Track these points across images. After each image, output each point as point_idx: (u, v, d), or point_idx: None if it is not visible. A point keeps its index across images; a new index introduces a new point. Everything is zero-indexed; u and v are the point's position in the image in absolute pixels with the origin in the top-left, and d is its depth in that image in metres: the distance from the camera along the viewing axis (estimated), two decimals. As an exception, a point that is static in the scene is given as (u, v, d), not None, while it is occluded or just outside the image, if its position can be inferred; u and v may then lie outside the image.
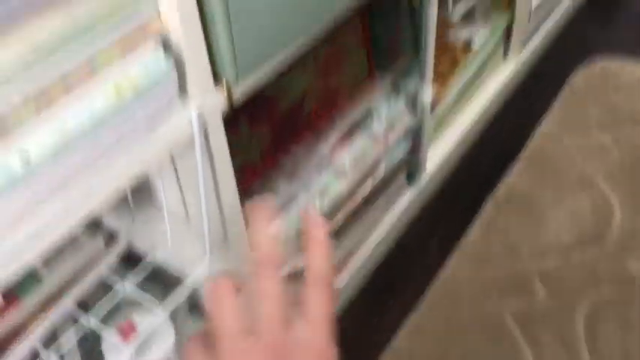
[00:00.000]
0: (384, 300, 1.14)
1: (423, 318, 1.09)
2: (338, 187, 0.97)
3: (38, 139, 0.48)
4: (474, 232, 1.24)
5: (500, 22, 1.45)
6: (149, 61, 0.55)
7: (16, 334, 0.61)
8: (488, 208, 1.28)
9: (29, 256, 0.50)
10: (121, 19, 0.51)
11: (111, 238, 0.71)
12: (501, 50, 1.51)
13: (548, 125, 1.47)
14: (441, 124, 1.31)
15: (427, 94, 1.09)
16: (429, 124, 1.17)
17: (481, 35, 1.39)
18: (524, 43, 1.56)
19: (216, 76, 0.62)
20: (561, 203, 1.28)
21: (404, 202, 1.22)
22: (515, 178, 1.34)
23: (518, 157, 1.39)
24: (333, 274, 0.37)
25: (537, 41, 1.63)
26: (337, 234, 1.04)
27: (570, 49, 1.70)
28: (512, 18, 1.48)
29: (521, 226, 1.24)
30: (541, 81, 1.61)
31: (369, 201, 1.09)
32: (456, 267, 1.18)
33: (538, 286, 1.13)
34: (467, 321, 1.08)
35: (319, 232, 0.37)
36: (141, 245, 0.83)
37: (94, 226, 0.70)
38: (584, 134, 1.44)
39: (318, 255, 0.36)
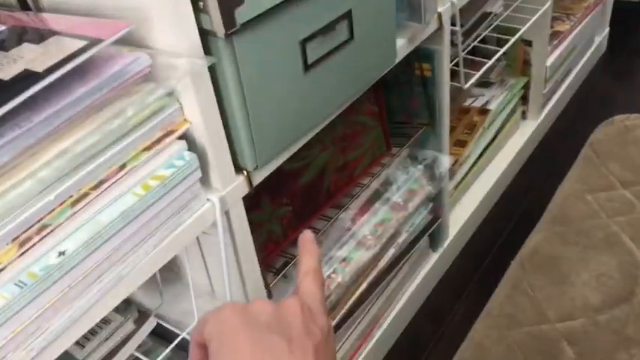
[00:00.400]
0: (411, 366, 1.15)
1: (450, 384, 1.10)
2: (360, 256, 1.00)
3: (73, 234, 0.52)
4: (500, 294, 1.24)
5: (517, 85, 1.49)
6: (174, 158, 0.60)
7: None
8: (513, 270, 1.29)
9: (66, 341, 0.54)
10: (149, 125, 0.57)
11: (141, 316, 0.75)
12: (520, 111, 1.55)
13: (570, 183, 1.48)
14: (461, 187, 1.34)
15: (445, 161, 1.12)
16: (448, 190, 1.20)
17: (498, 99, 1.43)
18: (543, 103, 1.60)
19: (237, 166, 0.67)
20: (587, 262, 1.28)
21: (428, 267, 1.24)
22: (538, 238, 1.35)
23: (542, 216, 1.41)
24: (322, 271, 0.47)
25: (556, 100, 1.66)
26: (361, 302, 1.06)
27: (590, 107, 1.73)
28: (529, 81, 1.52)
29: (546, 287, 1.24)
30: (561, 139, 1.64)
31: (392, 268, 1.11)
32: (482, 330, 1.18)
33: (566, 349, 1.13)
34: (494, 386, 1.08)
35: (309, 241, 0.48)
36: (169, 322, 0.87)
37: (124, 308, 0.74)
38: (607, 191, 1.45)
39: (310, 258, 0.46)
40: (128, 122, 0.55)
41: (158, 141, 0.59)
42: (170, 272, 0.85)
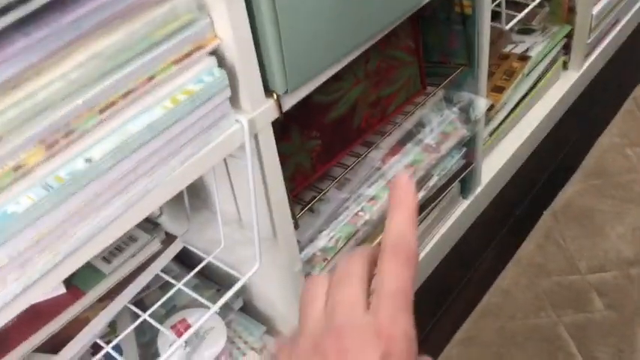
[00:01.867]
0: (436, 309, 1.14)
1: (475, 327, 1.09)
2: (387, 197, 0.98)
3: (100, 142, 0.52)
4: (530, 243, 1.22)
5: (560, 33, 1.43)
6: (203, 73, 0.59)
7: (78, 326, 0.66)
8: (546, 220, 1.27)
9: (91, 249, 0.54)
10: (179, 38, 0.55)
11: (168, 238, 0.75)
12: (561, 61, 1.49)
13: (610, 136, 1.44)
14: (497, 135, 1.30)
15: (481, 104, 1.09)
16: (483, 135, 1.17)
17: (539, 46, 1.38)
18: (586, 53, 1.53)
19: (267, 89, 0.66)
20: (623, 216, 1.25)
21: (458, 214, 1.22)
22: (574, 190, 1.32)
23: (578, 169, 1.37)
24: (416, 245, 0.30)
25: (600, 51, 1.60)
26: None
27: (636, 59, 1.66)
28: (572, 29, 1.46)
29: (579, 238, 1.22)
30: (604, 92, 1.58)
31: (421, 211, 1.10)
32: (511, 277, 1.17)
33: (596, 300, 1.11)
34: (520, 332, 1.07)
35: (407, 195, 0.31)
36: (196, 248, 0.88)
37: (152, 229, 0.74)
38: (648, 146, 1.40)
39: (402, 219, 0.30)
40: (157, 32, 0.54)
41: (187, 55, 0.57)
42: (197, 200, 0.85)
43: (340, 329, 0.28)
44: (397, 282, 0.29)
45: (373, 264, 0.31)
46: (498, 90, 1.26)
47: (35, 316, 0.63)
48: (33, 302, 0.52)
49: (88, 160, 0.51)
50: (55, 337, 0.65)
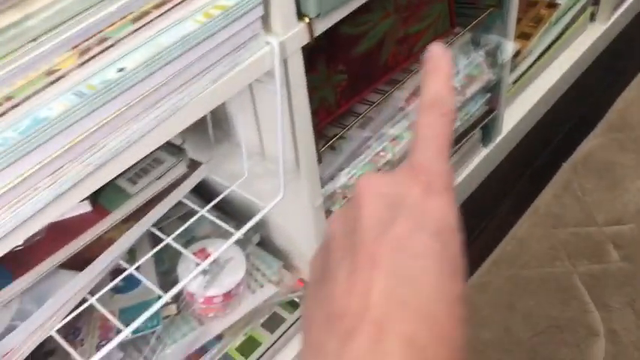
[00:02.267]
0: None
1: (489, 273, 1.09)
2: (411, 137, 0.97)
3: (133, 52, 0.51)
4: (548, 194, 1.21)
5: (590, -18, 1.39)
6: (237, -11, 0.57)
7: (103, 246, 0.66)
8: (565, 171, 1.26)
9: (122, 162, 0.54)
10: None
11: (193, 163, 0.74)
12: (589, 12, 1.45)
13: (634, 91, 1.41)
14: (520, 83, 1.28)
15: (508, 49, 1.07)
16: (507, 82, 1.15)
17: (568, -6, 1.35)
18: (615, 6, 1.50)
19: (299, 13, 0.64)
20: (643, 171, 1.23)
21: (477, 162, 1.21)
22: (595, 142, 1.30)
23: (600, 122, 1.35)
24: (452, 103, 0.30)
25: (629, 4, 1.56)
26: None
27: (664, 15, 1.62)
28: (603, -22, 1.42)
29: (597, 191, 1.21)
30: (629, 47, 1.55)
31: (441, 155, 1.08)
32: (527, 226, 1.16)
33: (612, 252, 1.11)
34: (534, 280, 1.07)
35: (442, 61, 0.31)
36: (219, 179, 0.87)
37: (178, 150, 0.73)
38: (673, 102, 1.37)
39: (437, 81, 0.30)
40: (193, -58, 0.53)
41: (222, -31, 0.56)
42: (219, 131, 0.84)
43: (377, 179, 0.28)
44: (433, 130, 0.29)
45: None
46: (525, 37, 1.23)
47: (61, 232, 0.63)
48: (63, 213, 0.52)
49: (121, 70, 0.50)
50: (79, 256, 0.65)
